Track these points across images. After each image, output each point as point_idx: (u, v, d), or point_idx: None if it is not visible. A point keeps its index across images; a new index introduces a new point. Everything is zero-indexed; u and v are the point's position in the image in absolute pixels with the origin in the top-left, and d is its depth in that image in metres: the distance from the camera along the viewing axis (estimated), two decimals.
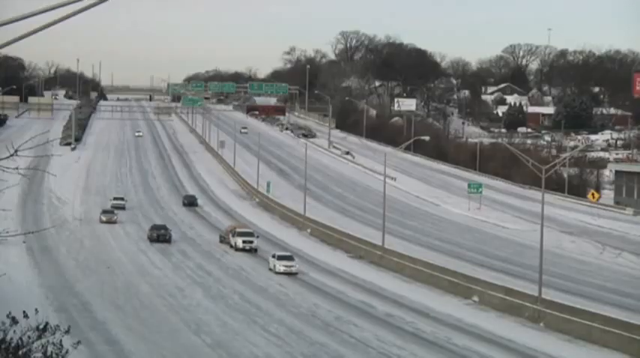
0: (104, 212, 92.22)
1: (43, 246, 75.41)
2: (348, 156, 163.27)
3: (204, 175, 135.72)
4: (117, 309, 52.41)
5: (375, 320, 52.32)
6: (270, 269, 67.87)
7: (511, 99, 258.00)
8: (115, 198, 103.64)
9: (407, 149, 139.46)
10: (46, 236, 76.73)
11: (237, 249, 76.69)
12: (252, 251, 76.61)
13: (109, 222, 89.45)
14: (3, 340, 15.91)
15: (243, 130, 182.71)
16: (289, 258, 68.95)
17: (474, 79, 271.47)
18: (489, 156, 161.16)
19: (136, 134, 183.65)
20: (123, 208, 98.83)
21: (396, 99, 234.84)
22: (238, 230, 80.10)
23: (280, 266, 67.31)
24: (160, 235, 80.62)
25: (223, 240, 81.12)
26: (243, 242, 77.20)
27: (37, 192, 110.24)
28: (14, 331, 16.06)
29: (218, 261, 72.65)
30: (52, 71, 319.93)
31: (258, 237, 79.63)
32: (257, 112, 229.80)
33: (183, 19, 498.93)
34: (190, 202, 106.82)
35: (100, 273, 64.67)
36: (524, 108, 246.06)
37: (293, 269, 67.32)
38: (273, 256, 69.17)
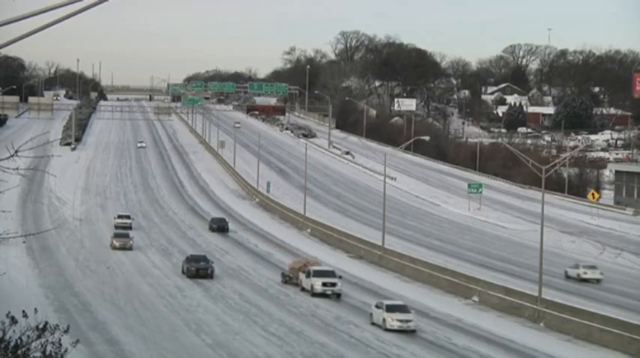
0: (117, 236, 77.29)
1: (43, 246, 75.35)
2: (348, 156, 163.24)
3: (204, 175, 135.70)
4: (117, 309, 52.37)
5: None
6: (375, 324, 50.03)
7: (511, 99, 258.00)
8: (120, 216, 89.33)
9: (407, 149, 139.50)
10: (46, 236, 76.67)
11: (313, 294, 58.08)
12: (334, 296, 58.10)
13: (124, 248, 74.99)
14: (2, 339, 15.93)
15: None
16: (403, 309, 49.83)
17: (474, 79, 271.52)
18: (489, 156, 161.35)
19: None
20: (129, 227, 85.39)
21: (396, 99, 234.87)
22: (314, 268, 60.26)
23: (394, 321, 48.54)
24: (199, 269, 63.96)
25: (289, 280, 62.84)
26: (324, 285, 58.11)
27: (37, 192, 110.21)
28: (13, 330, 16.08)
29: (218, 261, 72.58)
30: (52, 71, 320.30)
31: (341, 277, 60.64)
32: (257, 112, 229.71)
33: (183, 19, 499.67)
34: (220, 227, 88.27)
35: (100, 273, 64.66)
36: (524, 108, 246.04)
37: (411, 325, 48.72)
38: (379, 306, 50.32)
